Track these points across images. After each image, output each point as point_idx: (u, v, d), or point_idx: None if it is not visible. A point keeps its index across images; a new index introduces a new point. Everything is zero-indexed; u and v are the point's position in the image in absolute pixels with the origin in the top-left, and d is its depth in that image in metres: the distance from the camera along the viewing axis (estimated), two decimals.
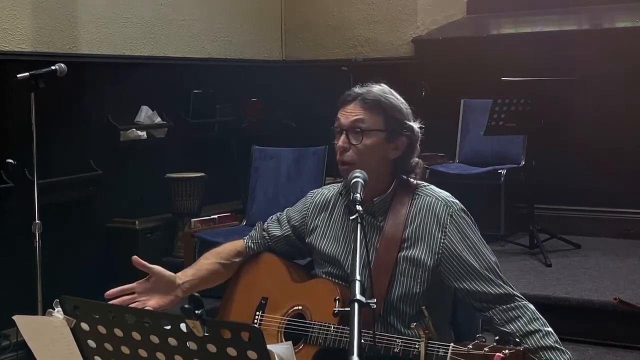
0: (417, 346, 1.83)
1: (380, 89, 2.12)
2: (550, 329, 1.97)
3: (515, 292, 2.02)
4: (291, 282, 2.21)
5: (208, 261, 2.28)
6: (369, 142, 2.06)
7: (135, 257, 2.12)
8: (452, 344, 1.75)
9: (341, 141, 2.08)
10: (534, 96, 4.36)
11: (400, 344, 1.88)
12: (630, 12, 5.38)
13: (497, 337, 1.71)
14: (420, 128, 2.13)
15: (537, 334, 1.95)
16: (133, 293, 2.14)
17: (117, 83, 4.85)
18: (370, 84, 2.14)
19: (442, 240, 2.04)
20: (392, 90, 2.14)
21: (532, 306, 2.00)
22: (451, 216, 2.06)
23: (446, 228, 2.05)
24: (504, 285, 2.01)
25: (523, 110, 4.40)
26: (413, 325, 1.81)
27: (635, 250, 4.74)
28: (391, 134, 2.08)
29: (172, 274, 2.18)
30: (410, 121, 2.11)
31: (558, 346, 1.94)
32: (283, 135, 5.76)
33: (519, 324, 1.96)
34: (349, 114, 2.09)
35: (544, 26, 5.73)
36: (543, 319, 1.99)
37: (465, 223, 2.06)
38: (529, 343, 1.92)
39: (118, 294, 2.10)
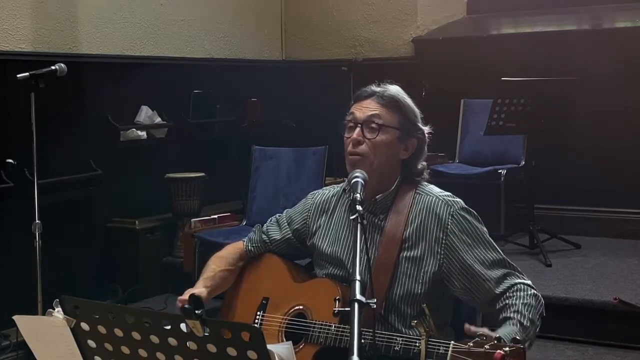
0: (417, 344, 1.83)
1: (396, 89, 2.15)
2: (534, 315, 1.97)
3: (520, 280, 2.03)
4: (292, 282, 2.21)
5: (219, 268, 2.29)
6: (384, 138, 2.08)
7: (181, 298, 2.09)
8: (452, 342, 1.75)
9: (356, 133, 2.09)
10: (534, 96, 4.36)
11: (400, 342, 1.88)
12: (630, 12, 5.38)
13: (497, 335, 1.71)
14: (429, 133, 2.16)
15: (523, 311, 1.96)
16: None
17: (117, 83, 4.84)
18: (386, 83, 2.16)
19: (443, 241, 2.05)
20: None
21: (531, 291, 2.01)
22: (452, 216, 2.06)
23: (447, 228, 2.05)
24: (508, 280, 2.02)
25: (523, 110, 4.40)
26: (414, 322, 1.81)
27: (635, 250, 4.73)
28: (404, 134, 2.12)
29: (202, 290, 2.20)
30: (421, 124, 2.14)
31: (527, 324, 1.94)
32: (283, 135, 5.76)
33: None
34: (366, 108, 2.10)
35: (544, 26, 5.73)
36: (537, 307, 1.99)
37: (466, 222, 2.06)
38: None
39: None
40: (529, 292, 2.00)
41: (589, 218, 5.16)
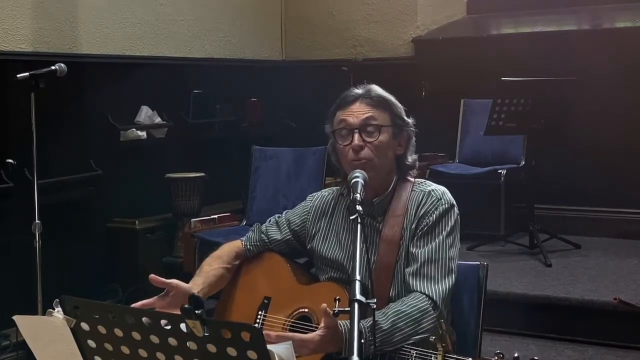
0: (433, 358, 1.82)
1: (378, 87, 2.15)
2: (407, 330, 1.91)
3: (430, 292, 1.98)
4: (296, 283, 2.18)
5: (212, 267, 2.24)
6: (383, 138, 2.08)
7: (152, 276, 2.05)
8: (470, 359, 1.73)
9: (356, 140, 2.06)
10: (534, 96, 4.36)
11: (414, 355, 1.87)
12: (630, 12, 5.38)
13: (516, 355, 1.68)
14: (414, 124, 2.16)
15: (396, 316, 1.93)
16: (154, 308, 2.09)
17: (117, 83, 4.84)
18: (365, 84, 2.15)
19: (418, 224, 2.07)
20: None
21: (429, 318, 1.94)
22: (436, 208, 2.07)
23: (425, 218, 2.06)
24: (432, 286, 1.99)
25: (523, 110, 4.40)
26: (432, 338, 1.77)
27: (635, 250, 4.74)
28: (397, 130, 2.11)
29: (188, 285, 2.14)
30: (406, 117, 2.15)
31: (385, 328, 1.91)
32: (283, 135, 5.76)
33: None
34: (357, 112, 2.08)
35: (544, 26, 5.73)
36: (420, 325, 1.93)
37: (443, 221, 2.06)
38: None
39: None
40: (421, 307, 1.95)
41: (589, 218, 5.17)
